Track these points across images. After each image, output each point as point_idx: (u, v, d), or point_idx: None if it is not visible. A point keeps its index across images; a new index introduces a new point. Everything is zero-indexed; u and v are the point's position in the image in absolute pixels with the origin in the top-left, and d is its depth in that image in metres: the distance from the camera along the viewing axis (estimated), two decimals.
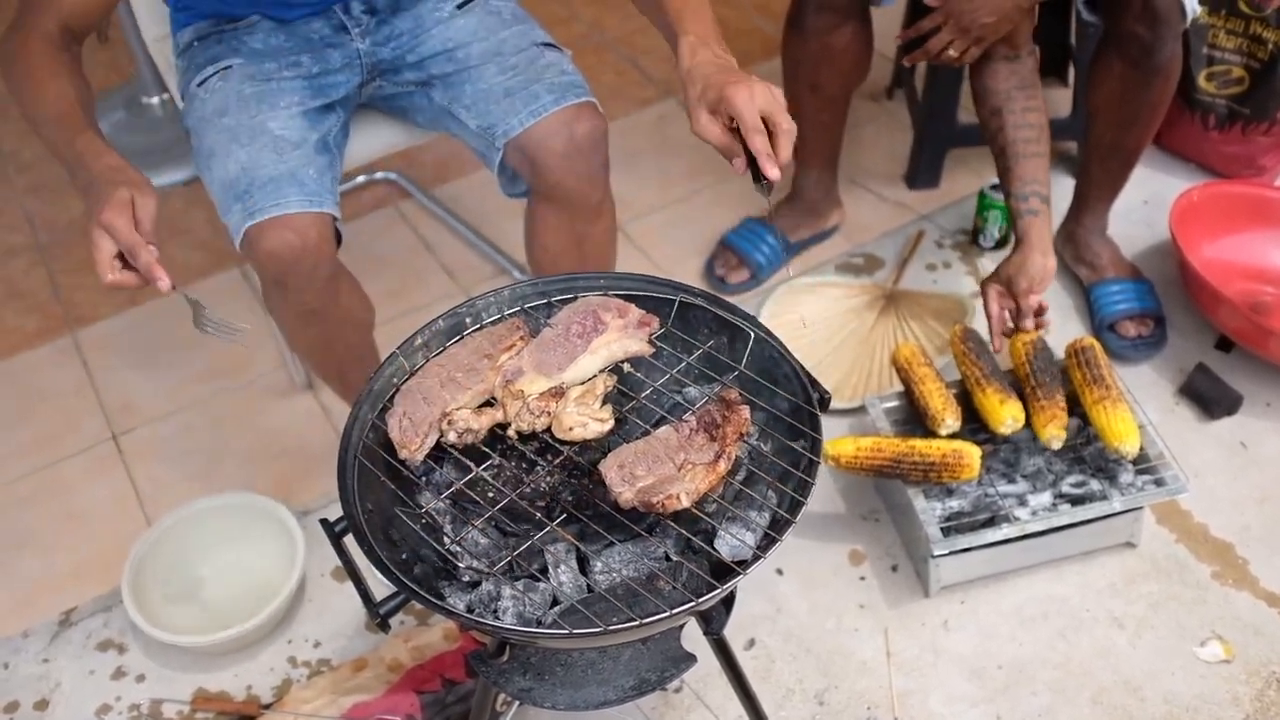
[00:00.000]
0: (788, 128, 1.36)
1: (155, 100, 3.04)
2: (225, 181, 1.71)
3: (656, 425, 1.35)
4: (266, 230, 1.65)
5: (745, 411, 1.30)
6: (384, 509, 1.34)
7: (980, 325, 2.22)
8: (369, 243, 2.70)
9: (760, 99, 1.35)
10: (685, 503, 1.23)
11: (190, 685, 1.91)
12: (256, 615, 1.88)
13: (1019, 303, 1.99)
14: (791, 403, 1.36)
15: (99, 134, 1.55)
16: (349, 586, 2.00)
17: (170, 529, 2.00)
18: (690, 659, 1.39)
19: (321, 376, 2.07)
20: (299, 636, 1.97)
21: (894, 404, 2.06)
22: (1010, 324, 2.02)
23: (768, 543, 1.26)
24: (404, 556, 1.31)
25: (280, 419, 2.33)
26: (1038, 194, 2.00)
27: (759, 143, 1.34)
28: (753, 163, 1.36)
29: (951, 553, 1.86)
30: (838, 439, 1.92)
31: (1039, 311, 2.00)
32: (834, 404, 2.16)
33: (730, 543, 1.27)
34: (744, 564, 1.24)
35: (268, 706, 1.87)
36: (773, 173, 1.34)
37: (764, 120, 1.35)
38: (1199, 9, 2.10)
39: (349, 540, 1.28)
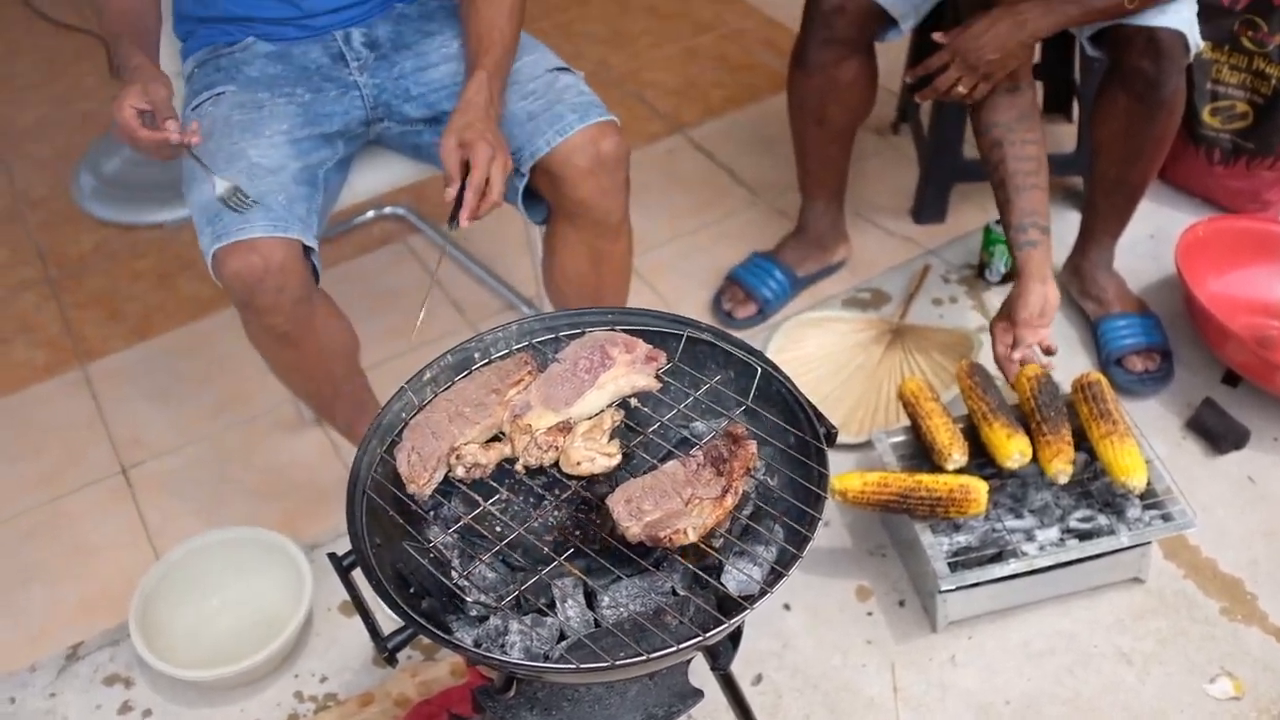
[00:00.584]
0: (495, 199, 1.68)
1: None
2: (200, 205, 1.74)
3: (664, 460, 1.35)
4: (231, 253, 1.68)
5: (752, 446, 1.30)
6: (392, 543, 1.34)
7: (986, 359, 2.23)
8: (378, 278, 2.72)
9: (495, 166, 1.67)
10: (692, 537, 1.23)
11: None
12: (263, 649, 1.87)
13: (1016, 333, 2.00)
14: (798, 437, 1.36)
15: (144, 38, 1.79)
16: (356, 621, 2.00)
17: (178, 562, 2.00)
18: (697, 694, 1.39)
19: (307, 403, 2.08)
20: (305, 671, 1.96)
21: (901, 439, 2.06)
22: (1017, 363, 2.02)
23: (775, 578, 1.26)
24: (411, 591, 1.31)
25: (288, 453, 2.33)
26: (1037, 225, 2.02)
27: (471, 196, 1.66)
28: (457, 205, 1.66)
29: (959, 588, 1.86)
30: (845, 474, 1.92)
31: (1047, 351, 2.01)
32: (841, 439, 2.17)
33: (737, 577, 1.27)
34: (751, 599, 1.24)
35: None
36: (465, 223, 1.66)
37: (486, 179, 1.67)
38: (1202, 44, 2.11)
39: (357, 574, 1.29)
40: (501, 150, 1.71)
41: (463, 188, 1.67)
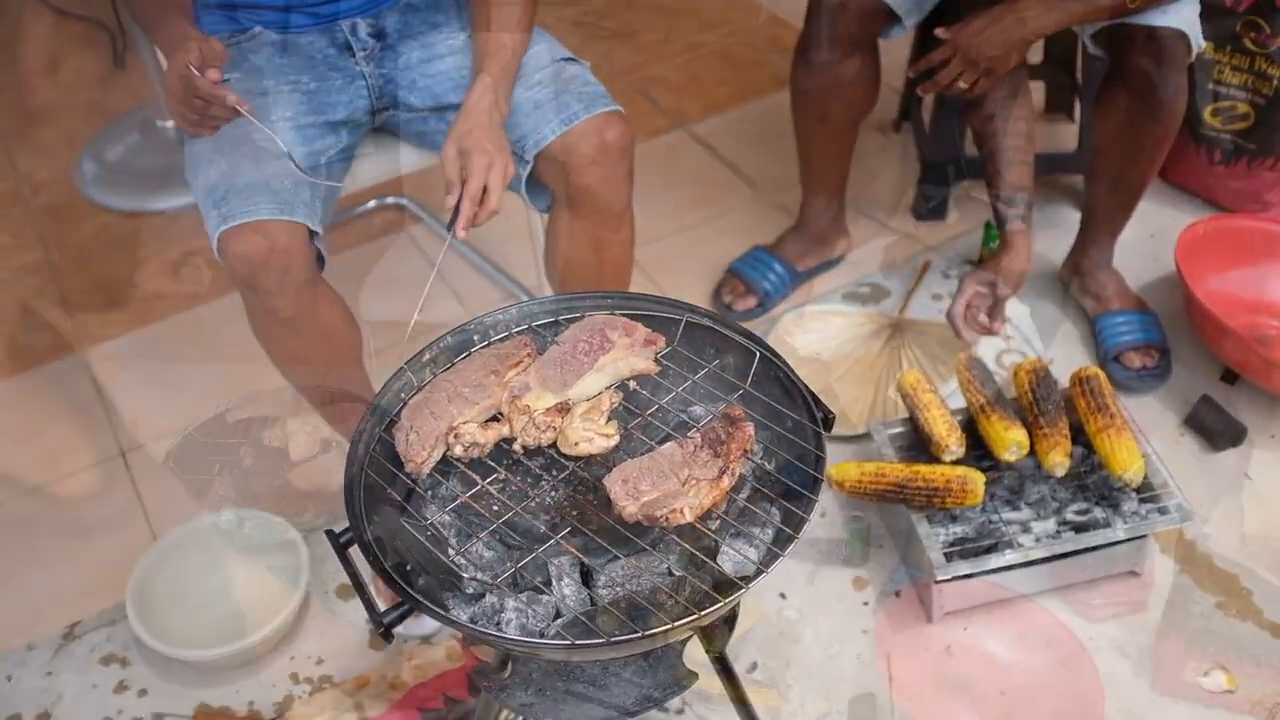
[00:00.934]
0: (493, 207, 1.68)
1: (169, 124, 3.07)
2: (206, 189, 1.75)
3: (662, 442, 1.35)
4: (237, 235, 1.69)
5: (749, 428, 1.31)
6: (389, 522, 1.34)
7: (985, 354, 2.24)
8: (379, 267, 2.72)
9: (493, 175, 1.67)
10: (689, 517, 1.23)
11: (193, 700, 1.91)
12: (260, 630, 1.88)
13: (998, 303, 2.01)
14: (796, 421, 1.36)
15: (187, 12, 1.83)
16: (353, 604, 2.01)
17: (176, 544, 2.01)
18: (692, 676, 1.39)
19: (308, 399, 2.07)
20: (302, 653, 1.97)
21: (899, 430, 2.06)
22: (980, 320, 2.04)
23: (770, 558, 1.27)
24: (408, 568, 1.32)
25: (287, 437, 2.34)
26: (1024, 199, 2.05)
27: (467, 206, 1.66)
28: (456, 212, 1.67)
29: (955, 578, 1.86)
30: (843, 464, 1.93)
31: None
32: (839, 431, 2.18)
33: (733, 558, 1.28)
34: (747, 579, 1.25)
35: None
36: (460, 233, 1.66)
37: (485, 187, 1.67)
38: (1204, 44, 2.12)
39: (354, 552, 1.29)
40: (501, 156, 1.70)
41: (462, 195, 1.68)
